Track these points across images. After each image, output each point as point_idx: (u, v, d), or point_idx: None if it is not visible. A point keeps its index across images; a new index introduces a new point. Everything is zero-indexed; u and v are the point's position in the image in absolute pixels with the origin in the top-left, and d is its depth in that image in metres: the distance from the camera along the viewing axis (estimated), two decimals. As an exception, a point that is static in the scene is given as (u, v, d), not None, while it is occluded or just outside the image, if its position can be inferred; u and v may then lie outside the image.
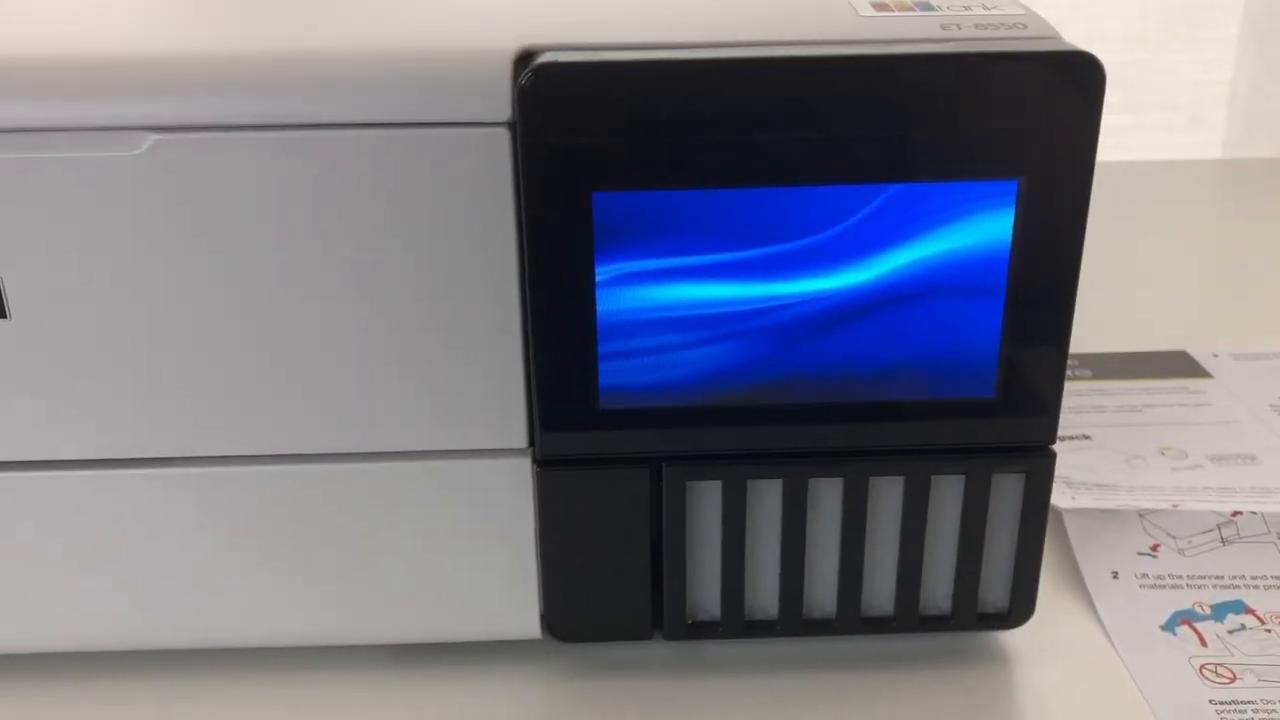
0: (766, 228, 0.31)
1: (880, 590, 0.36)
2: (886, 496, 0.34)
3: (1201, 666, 0.36)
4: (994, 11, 0.32)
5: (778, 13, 0.33)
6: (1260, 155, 1.24)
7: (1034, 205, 0.31)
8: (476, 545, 0.35)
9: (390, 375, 0.32)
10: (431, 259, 0.31)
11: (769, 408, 0.33)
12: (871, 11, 0.32)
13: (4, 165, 0.30)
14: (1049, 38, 0.31)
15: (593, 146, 0.30)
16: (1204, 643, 0.37)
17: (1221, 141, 1.29)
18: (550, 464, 0.34)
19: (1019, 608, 0.36)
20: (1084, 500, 0.43)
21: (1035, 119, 0.30)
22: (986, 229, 0.31)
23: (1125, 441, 0.48)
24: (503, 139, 0.30)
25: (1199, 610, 0.39)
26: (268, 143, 0.30)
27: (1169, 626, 0.38)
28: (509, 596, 0.35)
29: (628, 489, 0.34)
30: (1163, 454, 0.47)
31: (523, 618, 0.36)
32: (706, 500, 0.34)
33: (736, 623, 0.36)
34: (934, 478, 0.34)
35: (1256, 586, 0.40)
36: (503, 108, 0.30)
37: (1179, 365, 0.55)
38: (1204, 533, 0.41)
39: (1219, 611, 0.38)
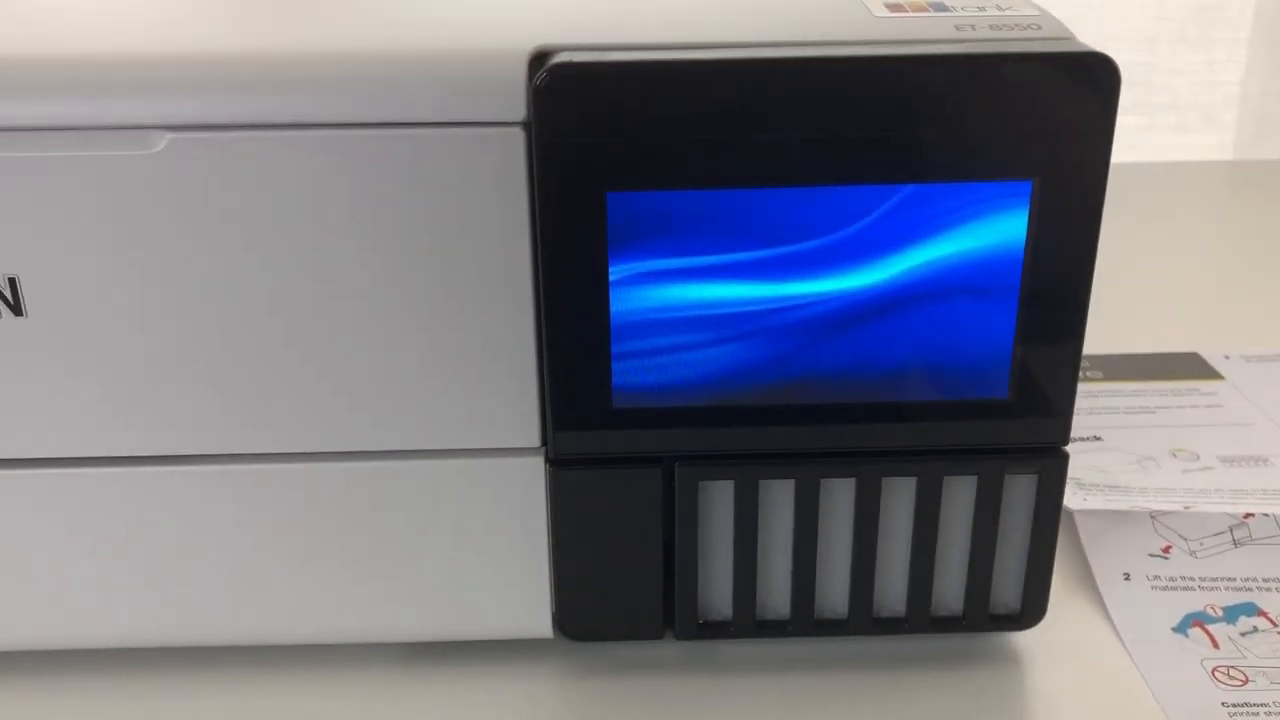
0: (780, 228, 0.31)
1: (892, 591, 0.36)
2: (899, 497, 0.34)
3: (1214, 669, 0.36)
4: (1008, 12, 0.32)
5: (792, 13, 0.33)
6: (1272, 156, 1.23)
7: (1048, 206, 0.31)
8: (489, 544, 0.35)
9: (403, 374, 0.32)
10: (446, 258, 0.31)
11: (782, 408, 0.33)
12: (886, 12, 0.32)
13: (21, 164, 0.30)
14: (1064, 39, 0.31)
15: (607, 146, 0.30)
16: (1216, 645, 0.37)
17: (1233, 142, 1.29)
18: (563, 463, 0.34)
19: (1031, 609, 0.36)
20: (1095, 501, 0.43)
21: (1050, 120, 0.30)
22: (1001, 230, 0.31)
23: (1137, 443, 0.48)
24: (517, 139, 0.30)
25: (1211, 612, 0.39)
26: (283, 142, 0.30)
27: (1181, 628, 0.38)
28: (521, 595, 0.35)
29: (640, 488, 0.34)
30: (1174, 455, 0.47)
31: (534, 617, 0.36)
32: (719, 500, 0.34)
33: (748, 622, 0.36)
34: (946, 478, 0.34)
35: (1269, 589, 0.39)
36: (517, 107, 0.30)
37: (1191, 367, 0.55)
38: (1216, 534, 0.41)
39: (1231, 614, 0.38)
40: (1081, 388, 0.52)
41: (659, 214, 0.31)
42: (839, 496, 0.34)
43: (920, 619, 0.36)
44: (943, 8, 0.32)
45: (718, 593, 0.36)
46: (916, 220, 0.31)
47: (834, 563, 0.35)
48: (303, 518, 0.34)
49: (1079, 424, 0.49)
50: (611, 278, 0.31)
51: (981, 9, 0.32)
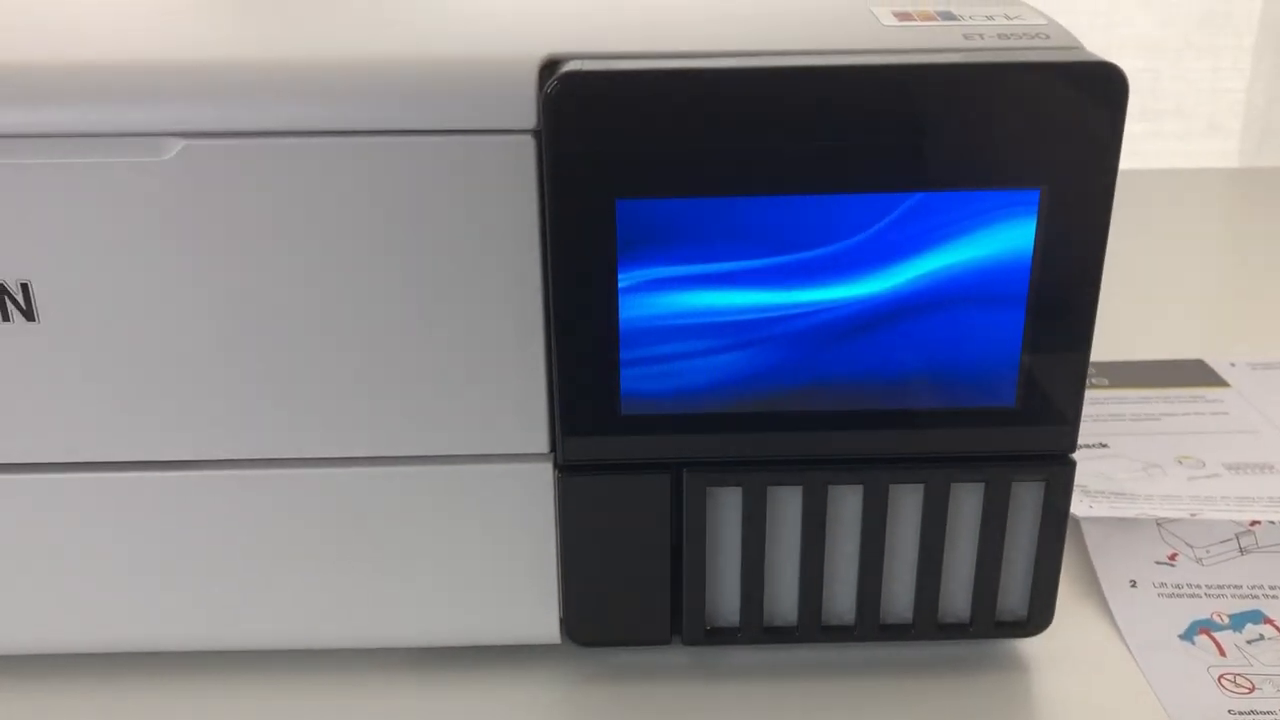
0: (788, 235, 0.31)
1: (899, 597, 0.36)
2: (906, 504, 0.35)
3: (1220, 676, 0.36)
4: (1016, 21, 0.32)
5: (801, 22, 0.33)
6: (1277, 164, 1.23)
7: (1056, 214, 0.31)
8: (497, 549, 0.35)
9: (414, 379, 0.32)
10: (456, 264, 0.31)
11: (789, 414, 0.33)
12: (894, 21, 0.32)
13: (34, 170, 0.30)
14: (1072, 48, 0.31)
15: (617, 154, 0.30)
16: (1223, 652, 0.37)
17: (1238, 150, 1.29)
18: (571, 469, 0.34)
19: (1037, 616, 0.36)
20: (1102, 509, 0.43)
21: (1058, 128, 0.30)
22: (1008, 238, 0.31)
23: (1143, 450, 0.48)
24: (528, 146, 0.30)
25: (1217, 620, 0.39)
26: (294, 149, 0.30)
27: (1187, 636, 0.38)
28: (529, 600, 0.36)
29: (648, 494, 0.34)
30: (1180, 463, 0.47)
31: (542, 622, 0.36)
32: (726, 506, 0.35)
33: (755, 628, 0.36)
34: (954, 485, 0.34)
35: (1275, 596, 0.39)
36: (528, 115, 0.30)
37: (1196, 374, 0.55)
38: (1222, 542, 0.41)
39: (1237, 621, 0.38)
40: (1088, 395, 0.52)
41: (668, 221, 0.31)
42: (846, 503, 0.34)
43: (927, 625, 0.36)
44: (951, 17, 0.33)
45: (725, 599, 0.36)
46: (925, 228, 0.31)
47: (841, 569, 0.35)
48: (313, 522, 0.34)
49: (1085, 431, 0.49)
50: (620, 284, 0.31)
51: (990, 18, 0.33)
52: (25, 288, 0.31)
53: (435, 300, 0.32)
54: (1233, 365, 0.56)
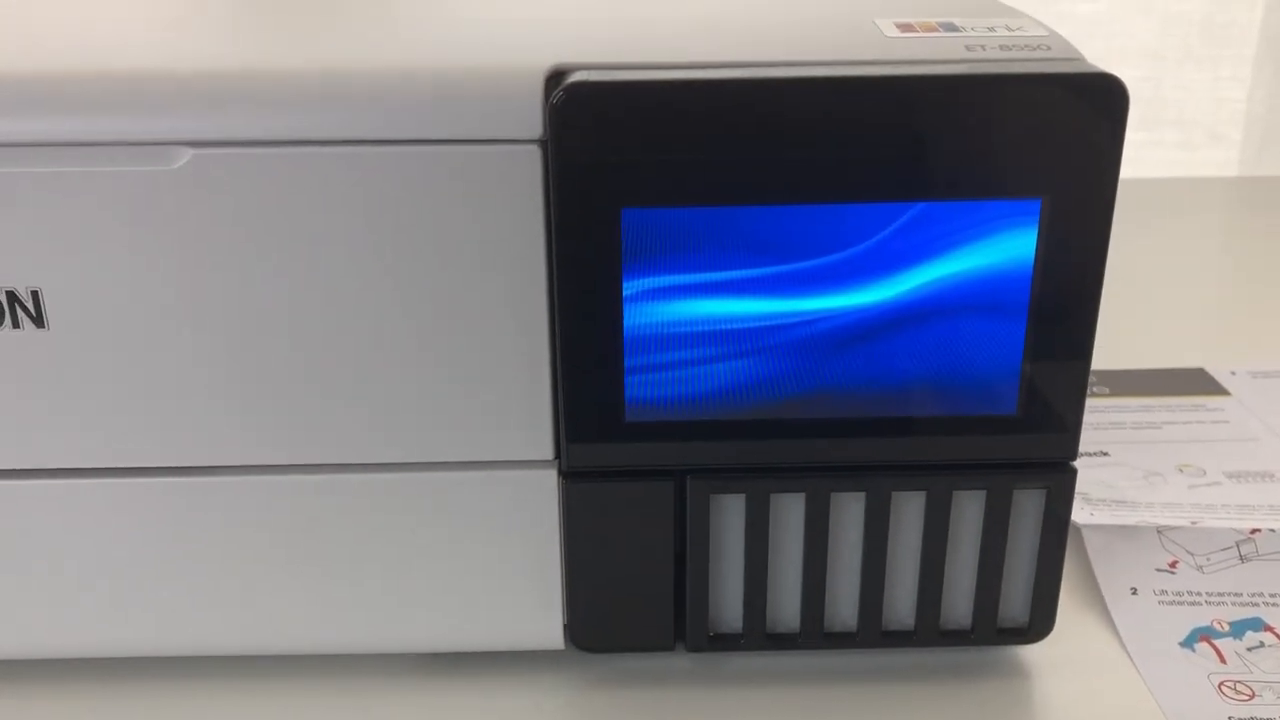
0: (792, 244, 0.31)
1: (901, 604, 0.36)
2: (908, 511, 0.35)
3: (1220, 683, 0.36)
4: (1018, 33, 0.33)
5: (805, 33, 0.33)
6: (1277, 173, 1.24)
7: (1057, 224, 0.31)
8: (502, 555, 0.35)
9: (420, 387, 0.33)
10: (462, 273, 0.31)
11: (793, 422, 0.33)
12: (897, 32, 0.33)
13: (44, 178, 0.30)
14: (1073, 59, 0.31)
15: (622, 164, 0.30)
16: (1223, 660, 0.37)
17: (1238, 159, 1.29)
18: (576, 476, 0.34)
19: (1039, 623, 0.36)
20: (1103, 516, 0.43)
21: (1059, 139, 0.30)
22: (1010, 248, 0.31)
23: (1144, 458, 0.48)
24: (534, 156, 0.30)
25: (1218, 627, 0.39)
26: (302, 158, 0.30)
27: (1188, 643, 0.38)
28: (533, 606, 0.36)
29: (652, 501, 0.34)
30: (1181, 471, 0.47)
31: (546, 628, 0.36)
32: (730, 513, 0.35)
33: (758, 635, 0.36)
34: (955, 493, 0.34)
35: (1275, 604, 0.40)
36: (534, 125, 0.30)
37: (1197, 382, 0.55)
38: (1222, 550, 0.42)
39: (1238, 629, 0.39)
40: (1089, 403, 0.52)
41: (672, 230, 0.31)
42: (849, 510, 0.35)
43: (929, 632, 0.36)
44: (953, 28, 0.33)
45: (728, 605, 0.36)
46: (927, 238, 0.31)
47: (844, 576, 0.36)
48: (316, 529, 0.34)
49: (1086, 439, 0.49)
50: (625, 292, 0.32)
51: (991, 29, 0.33)
52: (35, 295, 0.31)
53: (442, 308, 0.32)
54: (1233, 374, 0.56)
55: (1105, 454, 0.49)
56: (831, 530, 0.35)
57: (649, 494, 0.34)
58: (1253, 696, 0.36)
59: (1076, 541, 0.42)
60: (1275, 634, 0.38)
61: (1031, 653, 0.38)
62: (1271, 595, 0.40)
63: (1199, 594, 0.40)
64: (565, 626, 0.36)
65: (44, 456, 0.33)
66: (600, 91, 0.30)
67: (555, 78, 0.30)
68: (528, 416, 0.33)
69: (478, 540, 0.35)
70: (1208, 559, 0.41)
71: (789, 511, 0.35)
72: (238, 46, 0.33)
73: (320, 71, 0.31)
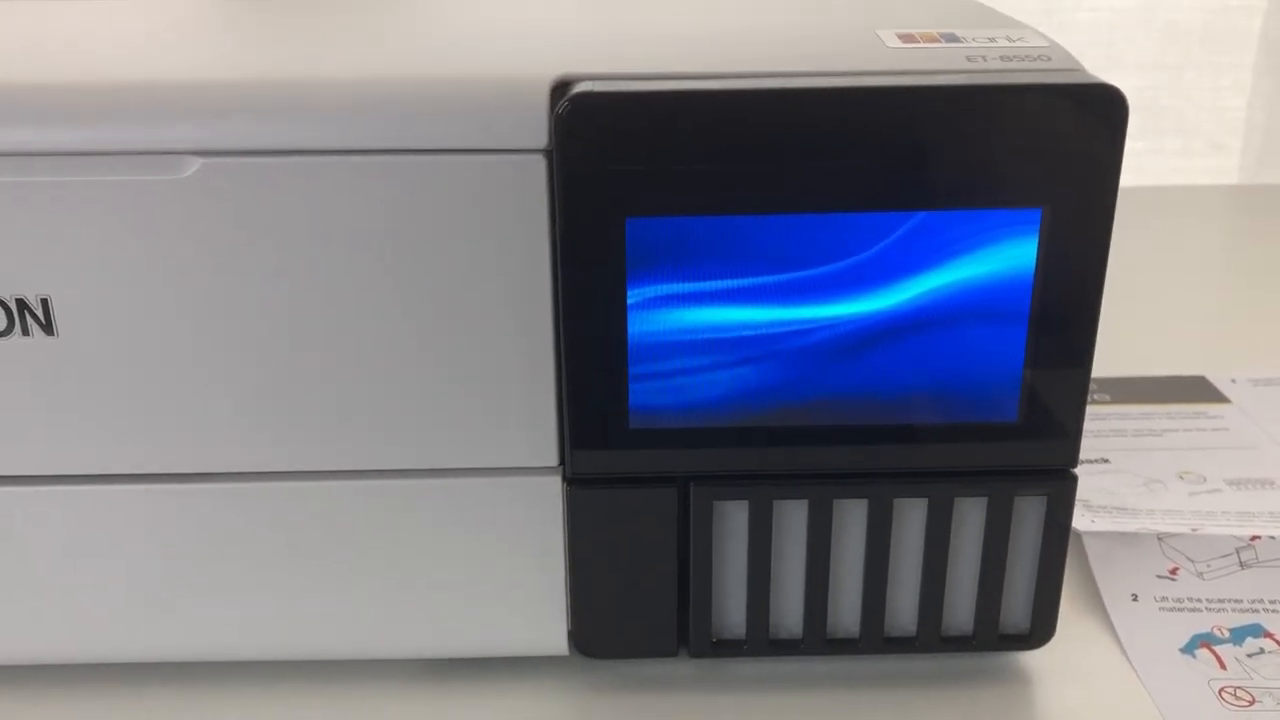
0: (795, 253, 0.32)
1: (903, 610, 0.36)
2: (910, 518, 0.35)
3: (1221, 689, 0.36)
4: (1018, 43, 0.33)
5: (808, 44, 0.33)
6: (1277, 181, 1.24)
7: (1057, 233, 0.31)
8: (506, 562, 0.35)
9: (426, 394, 0.33)
10: (468, 281, 0.32)
11: (795, 429, 0.33)
12: (898, 43, 0.33)
13: (54, 187, 0.30)
14: (1073, 70, 0.31)
15: (627, 173, 0.31)
16: (1223, 666, 0.37)
17: (1238, 167, 1.30)
18: (580, 482, 0.34)
19: (1040, 629, 0.36)
20: (1103, 523, 0.43)
21: (1059, 149, 0.31)
22: (1011, 256, 0.32)
23: (1144, 465, 0.48)
24: (539, 165, 0.31)
25: (1218, 634, 0.39)
26: (309, 167, 0.31)
27: (1188, 649, 0.38)
28: (537, 612, 0.36)
29: (656, 508, 0.35)
30: (1181, 478, 0.47)
31: (551, 634, 0.36)
32: (733, 520, 0.35)
33: (761, 641, 0.36)
34: (957, 500, 0.35)
35: (1275, 610, 0.40)
36: (540, 135, 0.30)
37: (1197, 390, 0.56)
38: (1223, 556, 0.42)
39: (1238, 635, 0.39)
40: (1089, 411, 0.52)
41: (677, 239, 0.31)
42: (851, 517, 0.35)
43: (930, 638, 0.36)
44: (954, 39, 0.33)
45: (731, 611, 0.36)
46: (928, 247, 0.31)
47: (846, 582, 0.36)
48: (323, 535, 0.35)
49: (1087, 446, 0.49)
50: (630, 301, 0.32)
51: (992, 40, 0.33)
52: (45, 303, 0.32)
53: (447, 316, 0.32)
54: (1234, 381, 0.56)
55: (1106, 461, 0.49)
56: (834, 537, 0.35)
57: (653, 500, 0.35)
58: (1253, 702, 0.36)
59: (1077, 548, 0.42)
60: (1275, 640, 0.39)
61: (1032, 659, 0.38)
62: (1272, 602, 0.40)
63: (1199, 600, 0.40)
64: (569, 632, 0.36)
65: (54, 462, 0.34)
66: (605, 102, 0.30)
67: (560, 88, 0.31)
68: (532, 423, 0.33)
69: (482, 546, 0.35)
70: (1208, 565, 0.42)
71: (792, 518, 0.35)
72: (246, 57, 0.34)
73: (328, 82, 0.31)
